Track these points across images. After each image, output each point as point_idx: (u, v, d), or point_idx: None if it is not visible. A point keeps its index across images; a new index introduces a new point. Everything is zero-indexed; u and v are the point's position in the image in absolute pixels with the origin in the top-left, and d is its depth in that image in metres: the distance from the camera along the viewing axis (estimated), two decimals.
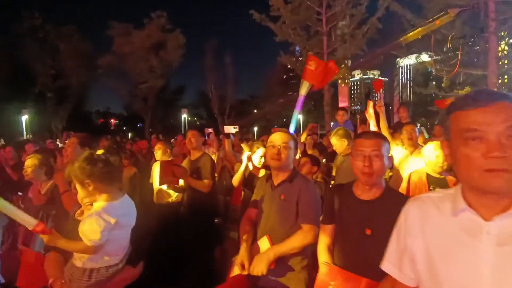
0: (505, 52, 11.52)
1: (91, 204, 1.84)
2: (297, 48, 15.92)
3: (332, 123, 5.24)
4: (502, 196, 0.80)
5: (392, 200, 1.50)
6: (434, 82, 14.32)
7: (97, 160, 1.80)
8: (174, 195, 3.91)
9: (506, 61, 11.59)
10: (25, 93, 21.40)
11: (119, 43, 22.25)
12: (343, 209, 1.62)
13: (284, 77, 34.46)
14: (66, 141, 4.45)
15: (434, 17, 8.65)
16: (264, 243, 1.95)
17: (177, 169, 3.41)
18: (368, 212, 1.52)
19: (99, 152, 2.09)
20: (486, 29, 9.85)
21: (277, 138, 2.00)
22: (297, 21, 14.20)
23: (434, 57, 12.67)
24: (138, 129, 36.51)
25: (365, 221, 1.51)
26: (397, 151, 3.88)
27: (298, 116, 3.75)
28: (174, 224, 3.60)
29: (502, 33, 10.97)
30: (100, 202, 1.80)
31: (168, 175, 3.47)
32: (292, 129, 3.59)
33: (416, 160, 3.73)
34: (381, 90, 3.84)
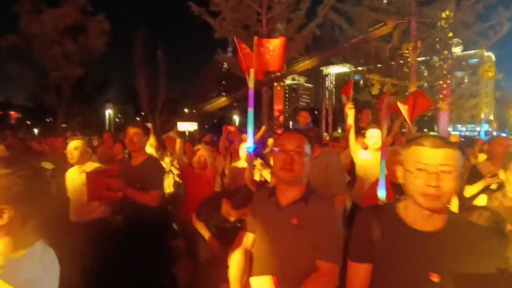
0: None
1: None
2: (229, 49, 15.49)
3: (294, 125, 4.89)
4: None
5: (464, 231, 1.10)
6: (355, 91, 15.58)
7: (37, 171, 1.04)
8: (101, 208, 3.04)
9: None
10: None
11: (25, 22, 18.58)
12: (390, 243, 1.17)
13: (221, 76, 33.83)
14: None
15: (375, 27, 9.17)
16: (264, 286, 1.40)
17: (114, 182, 2.60)
18: (432, 250, 1.09)
19: None
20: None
21: (289, 140, 1.47)
22: (237, 19, 13.85)
23: (359, 68, 13.77)
24: (47, 124, 31.49)
25: (429, 262, 1.08)
26: (364, 154, 3.71)
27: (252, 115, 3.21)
28: (108, 250, 2.75)
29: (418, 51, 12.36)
30: None
31: (101, 188, 2.61)
32: (250, 130, 3.04)
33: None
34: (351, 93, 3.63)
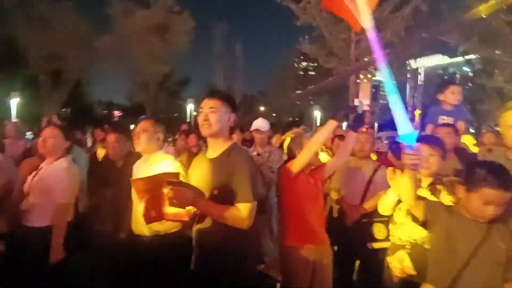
0: None
1: None
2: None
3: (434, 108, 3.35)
4: None
5: None
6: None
7: None
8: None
9: None
10: (15, 75, 19.42)
11: (120, 24, 20.20)
12: None
13: (301, 72, 32.50)
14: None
15: None
16: None
17: (177, 193, 1.57)
18: None
19: None
20: None
21: None
22: None
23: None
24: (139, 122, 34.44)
25: None
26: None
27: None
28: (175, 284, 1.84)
29: None
30: None
31: (157, 204, 1.65)
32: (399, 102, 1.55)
33: None
34: None
